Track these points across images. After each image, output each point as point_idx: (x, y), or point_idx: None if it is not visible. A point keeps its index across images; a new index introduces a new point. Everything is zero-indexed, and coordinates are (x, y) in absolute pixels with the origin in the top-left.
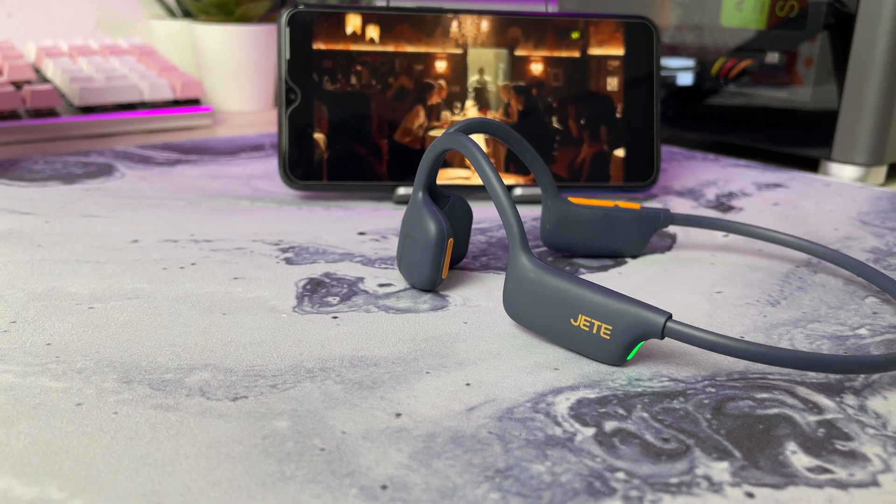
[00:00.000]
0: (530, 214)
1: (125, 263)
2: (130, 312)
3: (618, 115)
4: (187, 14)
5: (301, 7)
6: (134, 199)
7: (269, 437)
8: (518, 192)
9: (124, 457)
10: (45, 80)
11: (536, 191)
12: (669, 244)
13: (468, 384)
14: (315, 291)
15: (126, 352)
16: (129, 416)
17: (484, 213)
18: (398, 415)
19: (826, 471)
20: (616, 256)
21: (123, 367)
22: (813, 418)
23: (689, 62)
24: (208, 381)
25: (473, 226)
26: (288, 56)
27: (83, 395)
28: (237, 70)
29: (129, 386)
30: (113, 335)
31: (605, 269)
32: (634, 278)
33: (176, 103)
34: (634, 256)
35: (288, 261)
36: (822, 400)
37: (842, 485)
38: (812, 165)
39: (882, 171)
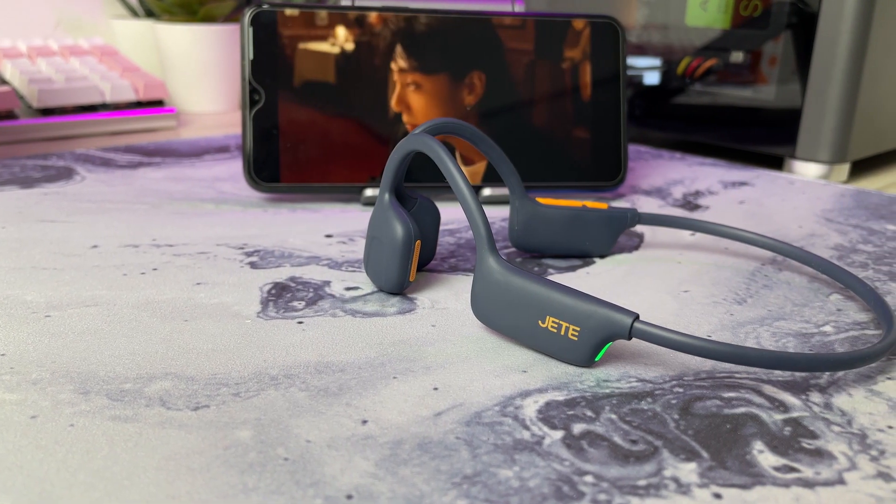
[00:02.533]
0: (499, 215)
1: (84, 270)
2: (89, 320)
3: (585, 115)
4: (150, 14)
5: (264, 6)
6: (94, 203)
7: (231, 447)
8: (486, 192)
9: (80, 471)
10: (3, 81)
11: (505, 191)
12: (637, 243)
13: (436, 388)
14: (280, 296)
15: (83, 361)
16: (85, 429)
17: (452, 215)
18: (364, 422)
19: (793, 470)
20: (584, 256)
21: (80, 377)
22: (779, 417)
23: (656, 61)
24: (169, 391)
25: (442, 227)
26: (251, 56)
27: (38, 408)
28: (202, 70)
29: (87, 397)
30: (70, 344)
31: (573, 269)
32: (603, 278)
33: (139, 105)
34: (602, 256)
35: (253, 265)
36: (788, 398)
37: (808, 483)
38: (777, 163)
39: (845, 169)
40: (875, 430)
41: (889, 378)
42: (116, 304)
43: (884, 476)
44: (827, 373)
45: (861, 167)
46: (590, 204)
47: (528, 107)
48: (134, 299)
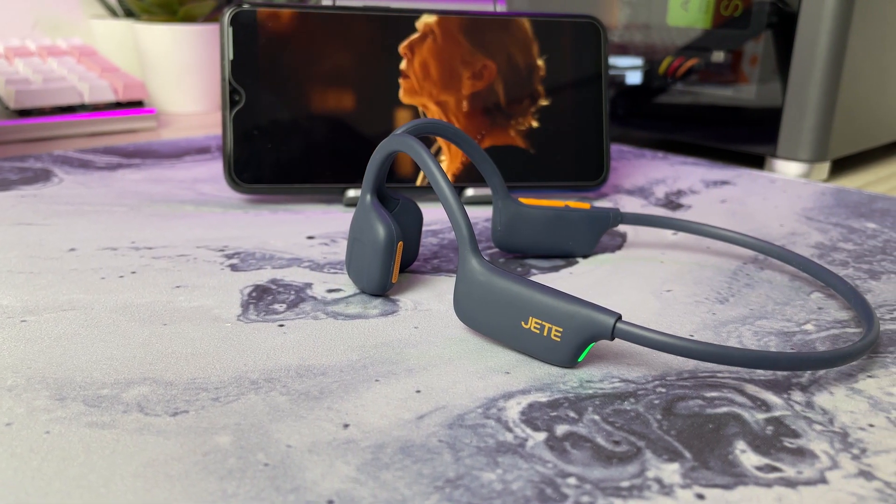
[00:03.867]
0: (482, 215)
1: (61, 273)
2: (65, 325)
3: (567, 115)
4: (129, 14)
5: (244, 6)
6: (72, 205)
7: (211, 453)
8: (469, 192)
9: (56, 479)
10: None
11: (487, 191)
12: (620, 243)
13: (418, 391)
14: (261, 299)
15: (60, 367)
16: (61, 436)
17: (435, 215)
18: (346, 426)
19: (775, 469)
20: (567, 256)
21: (57, 383)
22: (761, 416)
23: (638, 61)
24: (147, 396)
25: (425, 228)
26: (231, 56)
27: (13, 415)
28: (182, 71)
29: (63, 403)
30: (46, 349)
31: (556, 269)
32: (586, 278)
33: (118, 105)
34: (585, 256)
35: (233, 267)
36: (770, 397)
37: (790, 483)
38: (758, 162)
39: (825, 167)
40: (856, 428)
41: (870, 376)
42: (94, 308)
43: (865, 475)
44: (808, 372)
45: (841, 166)
46: (572, 204)
47: (511, 106)
48: (112, 303)
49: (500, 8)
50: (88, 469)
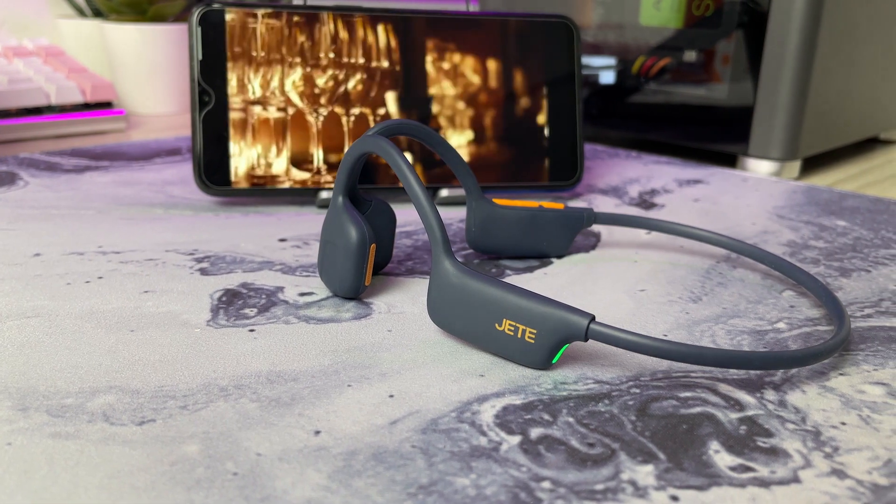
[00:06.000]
0: (457, 216)
1: (25, 279)
2: (29, 332)
3: (540, 115)
4: (98, 13)
5: (213, 5)
6: (37, 209)
7: (178, 463)
8: (444, 193)
9: (18, 492)
10: None
11: (461, 192)
12: (594, 243)
13: (391, 396)
14: (231, 303)
15: (23, 376)
16: (23, 447)
17: (410, 216)
18: (317, 432)
19: (748, 469)
20: (542, 257)
21: (19, 392)
22: (735, 416)
23: (611, 61)
24: (112, 405)
25: (399, 229)
26: (200, 56)
27: None
28: (151, 71)
29: (25, 413)
30: (9, 358)
31: (531, 269)
32: (560, 278)
33: (86, 107)
34: (560, 256)
35: (203, 271)
36: (743, 396)
37: (764, 483)
38: (730, 161)
39: (796, 166)
40: (828, 426)
41: (841, 374)
42: (59, 315)
43: (838, 473)
44: (781, 371)
45: (812, 164)
46: (546, 204)
47: (484, 106)
48: (77, 309)
49: (473, 8)
50: (51, 481)
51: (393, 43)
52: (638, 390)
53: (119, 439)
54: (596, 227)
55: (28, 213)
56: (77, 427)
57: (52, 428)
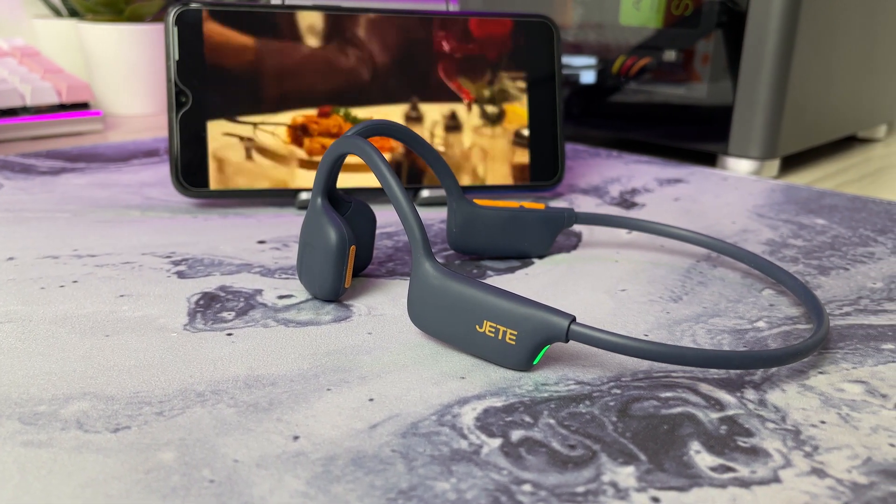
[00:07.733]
0: (438, 217)
1: None
2: (1, 338)
3: (521, 115)
4: (74, 13)
5: (190, 5)
6: (11, 212)
7: (153, 470)
8: (425, 193)
9: None
10: None
11: (442, 193)
12: (575, 243)
13: (371, 399)
14: (209, 307)
15: None
16: None
17: (390, 217)
18: (296, 438)
19: (729, 469)
20: (523, 257)
21: None
22: (715, 415)
23: (591, 60)
24: (86, 412)
25: (379, 230)
26: (177, 57)
27: None
28: (129, 72)
29: None
30: None
31: (512, 270)
32: (541, 279)
33: (62, 108)
34: (541, 256)
35: (180, 274)
36: (723, 396)
37: (745, 483)
38: (710, 160)
39: (775, 164)
40: (808, 425)
41: (821, 372)
42: (32, 320)
43: (818, 472)
44: (761, 370)
45: (791, 162)
46: (527, 204)
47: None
48: (51, 314)
49: (453, 7)
50: (23, 491)
51: (373, 42)
52: (619, 391)
53: (93, 447)
54: (577, 227)
55: (2, 215)
56: (50, 435)
57: (24, 436)
